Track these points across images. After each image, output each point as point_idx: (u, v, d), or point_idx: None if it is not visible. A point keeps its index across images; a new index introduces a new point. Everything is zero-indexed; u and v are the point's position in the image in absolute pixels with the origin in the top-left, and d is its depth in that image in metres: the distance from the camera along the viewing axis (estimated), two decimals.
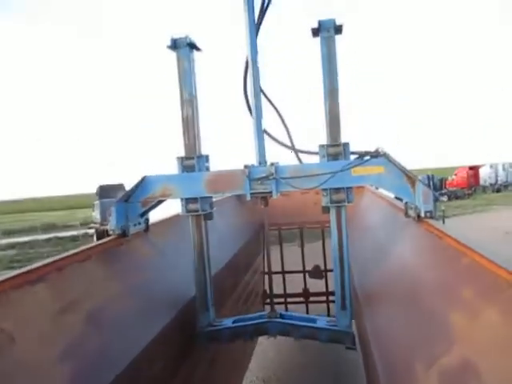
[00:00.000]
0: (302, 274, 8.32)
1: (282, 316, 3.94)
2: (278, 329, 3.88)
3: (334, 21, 3.54)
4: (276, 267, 8.35)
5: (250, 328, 3.94)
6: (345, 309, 3.72)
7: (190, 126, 3.82)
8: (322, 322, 3.87)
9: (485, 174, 40.63)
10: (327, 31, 3.57)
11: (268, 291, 8.36)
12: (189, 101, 3.83)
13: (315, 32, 3.61)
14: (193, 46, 3.87)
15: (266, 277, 8.46)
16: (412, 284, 2.78)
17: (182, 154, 3.82)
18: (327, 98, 3.56)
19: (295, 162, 3.83)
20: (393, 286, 3.19)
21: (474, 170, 40.78)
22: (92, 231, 25.42)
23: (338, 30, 3.57)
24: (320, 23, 3.56)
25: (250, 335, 4.01)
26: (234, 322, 3.95)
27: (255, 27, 3.72)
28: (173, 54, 3.88)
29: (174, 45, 3.80)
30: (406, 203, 3.61)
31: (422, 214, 3.23)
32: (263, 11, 3.76)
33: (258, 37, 3.80)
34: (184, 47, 3.80)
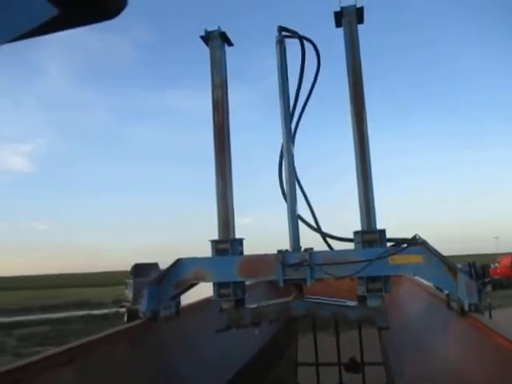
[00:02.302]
0: (337, 367, 7.78)
1: (308, 297, 3.78)
2: (304, 308, 3.67)
3: (354, 5, 3.68)
4: (309, 357, 7.88)
5: (274, 308, 3.75)
6: (375, 290, 3.46)
7: (219, 116, 3.89)
8: (352, 303, 3.67)
9: None
10: (349, 16, 3.70)
11: None
12: (219, 86, 3.92)
13: (338, 19, 3.73)
14: (225, 39, 4.00)
15: (299, 369, 8.02)
16: None
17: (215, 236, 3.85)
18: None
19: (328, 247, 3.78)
20: None
21: None
22: (123, 310, 25.18)
23: (359, 15, 3.67)
24: (342, 8, 3.69)
25: (275, 315, 3.78)
26: (258, 306, 3.82)
27: (290, 121, 3.90)
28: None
29: (208, 36, 3.94)
30: (448, 294, 3.43)
31: (466, 307, 3.04)
32: (301, 110, 3.97)
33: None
34: (216, 39, 3.93)
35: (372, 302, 3.48)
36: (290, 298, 3.78)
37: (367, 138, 3.60)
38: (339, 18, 3.75)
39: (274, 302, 3.87)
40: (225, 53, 4.04)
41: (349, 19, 3.72)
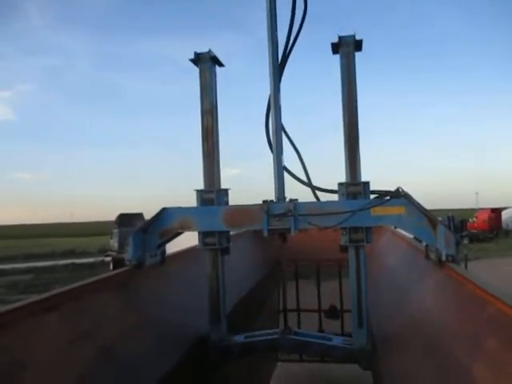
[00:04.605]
0: (317, 313, 8.11)
1: (295, 333, 3.84)
2: (291, 345, 3.76)
3: (353, 36, 3.57)
4: (291, 304, 8.17)
5: (262, 344, 3.84)
6: (362, 326, 3.59)
7: (209, 143, 3.83)
8: (338, 341, 3.75)
9: (507, 217, 39.65)
10: (347, 46, 3.59)
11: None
12: (209, 112, 3.83)
13: (335, 48, 3.64)
14: (215, 61, 3.92)
15: (281, 315, 8.32)
16: (433, 332, 2.68)
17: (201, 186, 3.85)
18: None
19: (314, 199, 3.82)
20: (413, 333, 3.07)
21: (496, 212, 39.87)
22: (109, 259, 25.50)
23: (358, 45, 3.59)
24: (340, 38, 3.59)
25: (262, 351, 3.89)
26: (245, 338, 3.88)
27: (278, 68, 3.80)
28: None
29: (198, 59, 3.82)
30: (427, 245, 3.53)
31: (444, 258, 3.14)
32: (286, 54, 3.86)
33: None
34: (206, 61, 3.82)
35: (358, 341, 3.59)
36: (278, 333, 3.82)
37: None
38: (336, 47, 3.60)
39: (262, 336, 3.90)
40: (215, 75, 3.89)
41: (347, 50, 3.57)
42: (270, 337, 3.84)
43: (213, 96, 3.86)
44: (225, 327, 3.87)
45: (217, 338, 3.80)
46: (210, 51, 3.80)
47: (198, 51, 3.83)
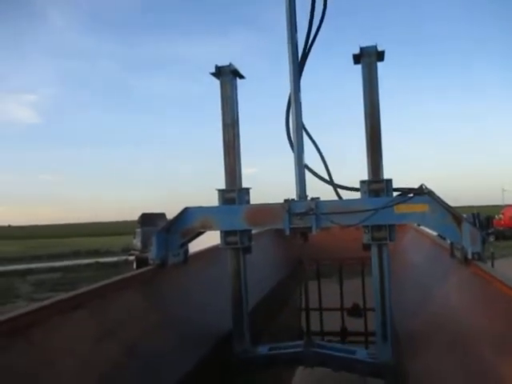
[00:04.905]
0: (339, 312, 8.06)
1: (318, 345, 3.80)
2: (315, 358, 3.71)
3: (375, 47, 3.54)
4: (313, 303, 8.14)
5: (286, 356, 3.81)
6: (386, 341, 3.54)
7: (231, 157, 3.85)
8: (362, 354, 3.68)
9: None
10: (368, 57, 3.56)
11: (305, 329, 8.14)
12: (231, 126, 3.85)
13: (356, 58, 3.61)
14: (236, 74, 3.95)
15: (303, 314, 8.29)
16: (460, 333, 2.62)
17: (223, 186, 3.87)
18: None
19: (335, 197, 3.79)
20: (439, 332, 3.02)
21: None
22: (132, 258, 25.81)
23: (380, 56, 3.55)
24: (361, 49, 3.56)
25: (286, 364, 3.86)
26: (269, 350, 3.85)
27: (298, 66, 3.79)
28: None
29: (218, 72, 3.86)
30: (452, 243, 3.46)
31: (469, 256, 3.08)
32: (306, 53, 3.84)
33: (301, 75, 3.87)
34: (227, 74, 3.85)
35: (382, 355, 3.53)
36: (301, 346, 3.77)
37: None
38: (358, 57, 3.57)
39: (285, 349, 3.87)
40: (236, 88, 3.92)
41: (368, 60, 3.54)
42: (293, 350, 3.80)
43: (234, 109, 3.86)
44: (248, 336, 3.85)
45: (240, 348, 3.79)
46: (230, 64, 3.82)
47: (219, 63, 3.83)
